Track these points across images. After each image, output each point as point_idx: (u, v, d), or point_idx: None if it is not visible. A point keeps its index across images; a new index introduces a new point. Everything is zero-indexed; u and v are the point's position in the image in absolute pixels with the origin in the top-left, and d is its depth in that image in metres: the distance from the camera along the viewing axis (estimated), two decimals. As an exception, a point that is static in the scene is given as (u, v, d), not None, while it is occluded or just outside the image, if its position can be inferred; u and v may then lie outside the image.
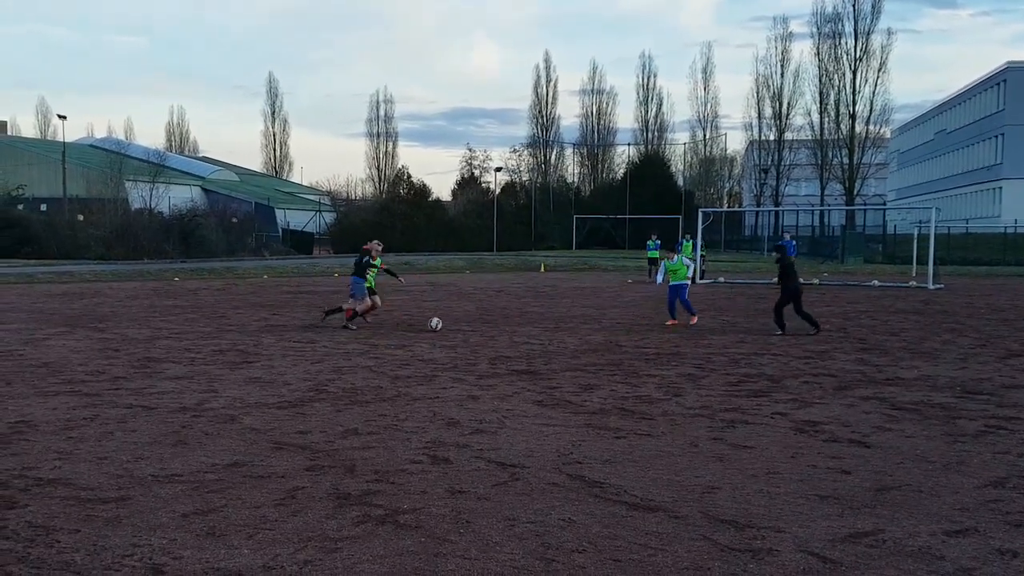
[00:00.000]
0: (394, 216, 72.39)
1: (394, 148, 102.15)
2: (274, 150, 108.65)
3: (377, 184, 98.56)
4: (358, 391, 10.77)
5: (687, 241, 36.86)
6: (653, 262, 36.79)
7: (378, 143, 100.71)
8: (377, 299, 18.74)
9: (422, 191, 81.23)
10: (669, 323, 18.99)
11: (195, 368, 12.53)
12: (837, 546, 5.51)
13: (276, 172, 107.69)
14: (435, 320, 17.88)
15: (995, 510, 6.23)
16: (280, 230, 71.18)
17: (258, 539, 5.62)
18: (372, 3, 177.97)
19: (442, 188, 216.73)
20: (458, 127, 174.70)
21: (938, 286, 31.34)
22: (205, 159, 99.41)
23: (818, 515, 6.11)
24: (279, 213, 75.37)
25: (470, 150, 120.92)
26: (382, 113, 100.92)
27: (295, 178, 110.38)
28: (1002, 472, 7.23)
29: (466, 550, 5.41)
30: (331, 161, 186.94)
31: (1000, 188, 71.81)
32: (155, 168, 60.62)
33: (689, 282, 19.37)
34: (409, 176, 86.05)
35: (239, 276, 37.31)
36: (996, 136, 73.17)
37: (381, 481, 6.89)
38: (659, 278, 19.88)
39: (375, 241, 19.23)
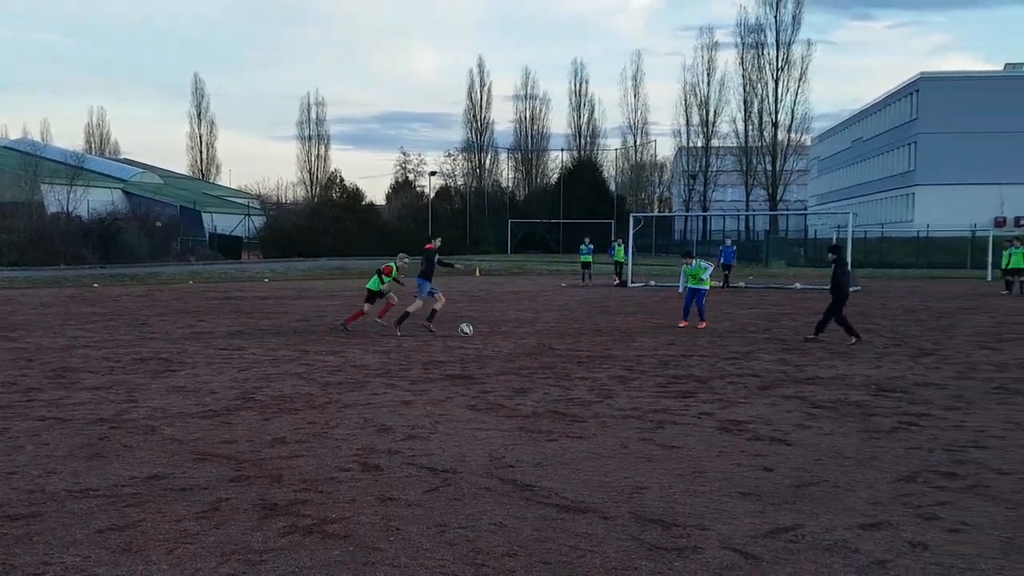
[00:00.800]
0: (326, 220, 71.84)
1: (326, 151, 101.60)
2: (200, 152, 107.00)
3: (309, 187, 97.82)
4: (287, 399, 10.72)
5: (619, 245, 37.27)
6: (587, 266, 37.17)
7: (310, 146, 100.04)
8: (394, 296, 18.76)
9: (355, 195, 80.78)
10: (682, 324, 19.33)
11: (114, 377, 12.29)
12: (759, 542, 5.69)
13: (203, 175, 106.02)
14: (466, 325, 18.08)
15: (907, 504, 6.49)
16: (207, 234, 70.06)
17: (178, 554, 5.51)
18: (305, 3, 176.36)
19: (376, 192, 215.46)
20: (392, 131, 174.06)
21: (855, 288, 32.08)
22: (127, 161, 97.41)
23: (741, 512, 6.30)
24: (206, 217, 74.17)
25: (404, 154, 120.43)
26: (314, 115, 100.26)
27: (223, 181, 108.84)
28: (914, 467, 7.51)
29: (395, 558, 5.45)
30: (261, 164, 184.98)
31: (913, 194, 73.88)
32: (73, 170, 58.87)
33: (707, 288, 19.51)
34: (342, 179, 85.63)
35: (163, 282, 36.72)
36: (909, 144, 75.29)
37: (309, 490, 6.87)
38: (681, 284, 19.92)
39: (410, 251, 19.17)
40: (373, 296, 18.46)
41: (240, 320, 20.57)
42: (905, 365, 13.59)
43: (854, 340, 16.00)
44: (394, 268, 18.26)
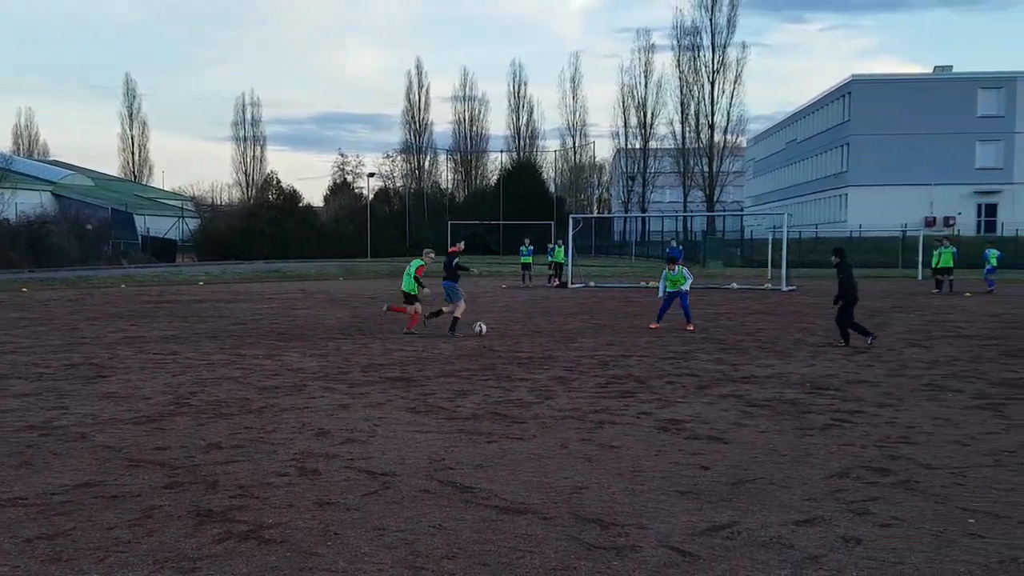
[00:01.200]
0: (263, 222, 71.03)
1: (262, 152, 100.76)
2: (132, 154, 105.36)
3: (245, 189, 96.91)
4: (222, 403, 10.57)
5: (559, 247, 37.44)
6: (527, 267, 37.27)
7: (245, 147, 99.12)
8: (419, 306, 18.61)
9: (292, 196, 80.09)
10: (653, 326, 19.39)
11: (43, 384, 11.98)
12: (696, 540, 5.75)
13: (135, 177, 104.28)
14: (480, 325, 18.15)
15: (840, 499, 6.60)
16: (140, 237, 68.83)
17: (109, 563, 5.40)
18: (240, 3, 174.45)
19: (313, 194, 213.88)
20: (329, 132, 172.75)
21: (791, 288, 32.70)
22: (56, 163, 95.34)
23: (679, 510, 6.36)
24: (139, 219, 72.84)
25: (342, 155, 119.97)
26: (249, 116, 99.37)
27: (156, 183, 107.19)
28: (847, 463, 7.65)
29: (333, 563, 5.40)
30: (196, 165, 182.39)
31: (846, 194, 75.36)
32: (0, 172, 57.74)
33: (688, 291, 19.50)
34: (278, 181, 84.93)
35: (94, 286, 36.02)
36: (842, 145, 76.77)
37: (245, 496, 6.78)
38: (661, 288, 19.83)
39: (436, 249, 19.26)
40: (411, 298, 18.40)
41: (174, 324, 20.26)
42: (839, 363, 13.82)
43: (842, 343, 15.98)
44: (424, 266, 18.51)
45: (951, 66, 77.60)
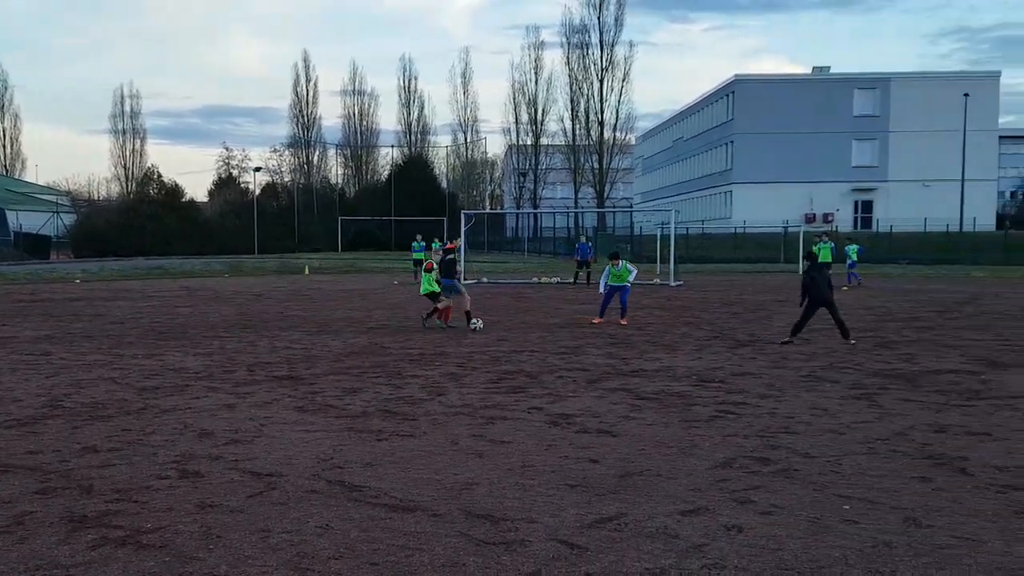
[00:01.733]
0: (143, 218, 69.17)
1: (142, 146, 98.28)
2: (3, 147, 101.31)
3: (124, 184, 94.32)
4: (99, 405, 10.22)
5: (435, 243, 37.50)
6: (419, 263, 37.03)
7: (124, 140, 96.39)
8: (448, 300, 18.70)
9: (174, 191, 78.27)
10: (596, 321, 19.39)
11: (-86, 388, 11.45)
12: (584, 532, 5.80)
13: (7, 171, 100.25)
14: (476, 321, 18.14)
15: (724, 489, 6.74)
16: (12, 233, 66.23)
17: (-21, 571, 5.20)
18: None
19: (197, 189, 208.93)
20: (213, 125, 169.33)
21: (678, 283, 33.42)
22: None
23: (568, 504, 6.41)
24: (10, 215, 70.04)
25: (227, 149, 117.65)
26: (128, 108, 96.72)
27: (29, 177, 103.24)
28: (731, 453, 7.83)
29: (215, 567, 5.27)
30: (72, 159, 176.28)
31: (731, 192, 77.32)
32: None
33: (630, 285, 19.53)
34: (160, 175, 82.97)
35: (-31, 286, 34.53)
36: (727, 144, 78.73)
37: (123, 500, 6.57)
38: (602, 284, 19.70)
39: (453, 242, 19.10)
40: (436, 295, 18.44)
41: (49, 323, 19.54)
42: (724, 356, 14.14)
43: (788, 340, 15.76)
44: (434, 263, 18.63)
45: (829, 67, 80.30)
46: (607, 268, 19.67)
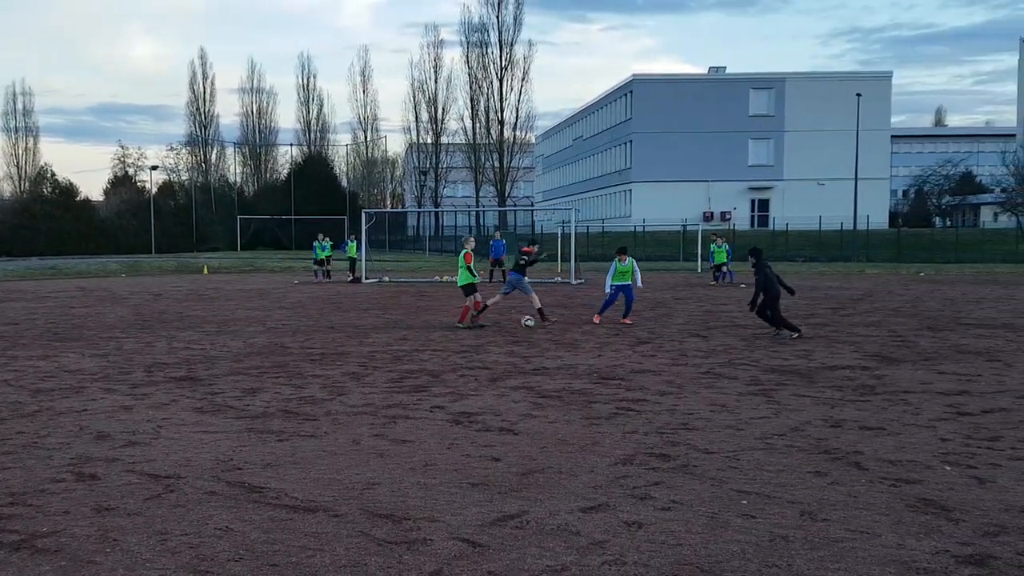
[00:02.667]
0: (37, 217, 67.26)
1: (35, 144, 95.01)
2: None
3: (17, 183, 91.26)
4: (-8, 409, 9.92)
5: (351, 241, 37.08)
6: (321, 263, 36.64)
7: (16, 138, 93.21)
8: (478, 296, 18.86)
9: (69, 190, 76.15)
10: (596, 319, 19.12)
11: None
12: (486, 530, 5.84)
13: None
14: (528, 318, 18.34)
15: (624, 486, 6.86)
16: None
17: None
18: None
19: (92, 188, 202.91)
20: (108, 123, 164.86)
21: (580, 281, 33.74)
22: None
23: (469, 502, 6.44)
24: None
25: (123, 147, 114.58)
26: (20, 106, 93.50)
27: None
28: (630, 450, 7.96)
29: (112, 570, 5.18)
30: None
31: (630, 190, 78.42)
32: None
33: (634, 283, 19.06)
34: (53, 174, 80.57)
35: None
36: (626, 143, 79.79)
37: (16, 504, 6.40)
38: (607, 282, 19.04)
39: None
40: (472, 287, 18.66)
41: (-65, 325, 18.79)
42: (624, 353, 14.35)
43: (796, 335, 16.11)
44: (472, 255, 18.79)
45: (725, 67, 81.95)
46: (613, 264, 19.06)
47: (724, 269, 33.36)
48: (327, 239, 36.88)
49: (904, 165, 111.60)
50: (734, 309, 22.46)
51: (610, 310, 19.52)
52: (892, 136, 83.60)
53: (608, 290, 19.19)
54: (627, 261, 18.98)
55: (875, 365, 13.02)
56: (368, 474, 7.20)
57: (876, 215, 67.02)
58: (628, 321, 19.02)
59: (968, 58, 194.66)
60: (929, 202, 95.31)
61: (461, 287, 18.76)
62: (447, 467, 7.40)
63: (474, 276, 18.63)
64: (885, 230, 65.80)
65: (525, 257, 19.27)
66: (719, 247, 33.33)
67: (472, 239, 20.02)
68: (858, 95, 63.96)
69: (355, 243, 37.15)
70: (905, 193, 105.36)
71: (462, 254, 18.83)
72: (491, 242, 37.14)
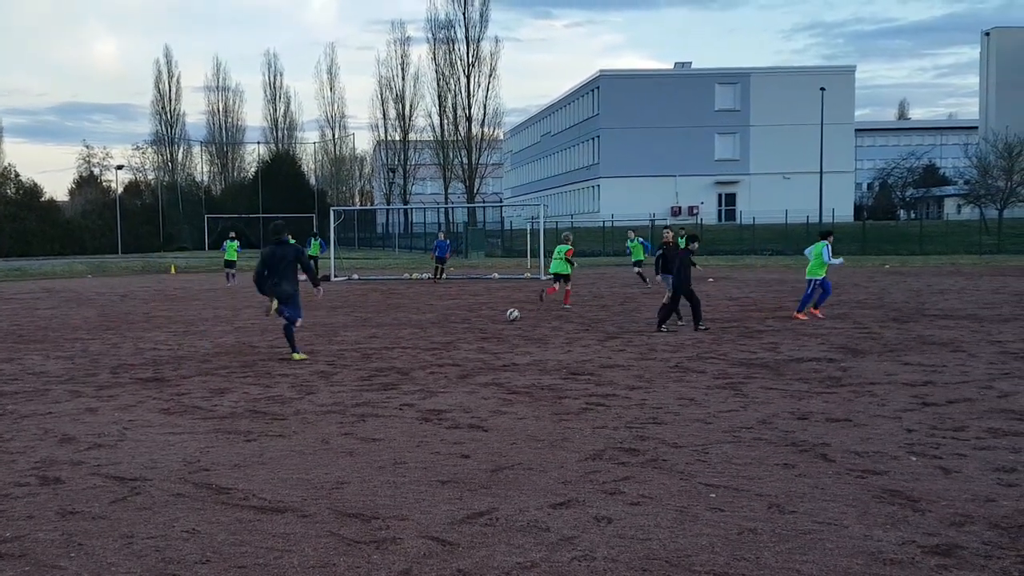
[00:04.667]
0: (0, 219, 66.46)
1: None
2: None
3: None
4: (-46, 413, 9.78)
5: (315, 240, 36.83)
6: (231, 264, 35.66)
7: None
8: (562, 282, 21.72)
9: (33, 191, 75.31)
10: (800, 316, 18.15)
11: None
12: (455, 528, 5.83)
13: None
14: (513, 311, 18.50)
15: (593, 481, 6.86)
16: None
17: None
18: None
19: (57, 188, 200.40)
20: (71, 122, 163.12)
21: (549, 277, 33.66)
22: None
23: (439, 500, 6.42)
24: None
25: (87, 147, 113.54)
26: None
27: None
28: (600, 445, 7.97)
29: (77, 575, 5.12)
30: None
31: (599, 186, 78.61)
32: None
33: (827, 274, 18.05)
34: (17, 175, 79.44)
35: None
36: (593, 138, 79.97)
37: (-19, 509, 6.32)
38: (826, 259, 17.85)
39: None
40: (562, 277, 21.52)
41: None
42: (593, 349, 14.38)
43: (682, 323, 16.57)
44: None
45: (691, 62, 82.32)
46: (823, 246, 17.98)
47: (639, 270, 29.41)
48: (235, 238, 34.90)
49: (868, 158, 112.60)
50: (702, 303, 22.54)
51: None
52: (856, 130, 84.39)
53: (822, 275, 18.12)
54: (829, 246, 18.07)
55: (841, 357, 13.12)
56: (337, 473, 7.16)
57: (841, 208, 67.58)
58: (817, 314, 18.20)
59: (929, 51, 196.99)
60: (893, 195, 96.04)
61: (555, 274, 21.80)
62: (416, 465, 7.38)
63: (571, 266, 21.60)
64: (850, 223, 66.32)
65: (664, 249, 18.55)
66: (632, 240, 30.06)
67: (571, 235, 23.28)
68: (822, 89, 64.44)
69: (318, 241, 36.83)
70: (870, 186, 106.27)
71: (564, 248, 21.77)
72: (435, 242, 36.85)
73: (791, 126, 74.79)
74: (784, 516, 6.00)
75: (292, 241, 14.15)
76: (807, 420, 8.93)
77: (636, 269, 29.55)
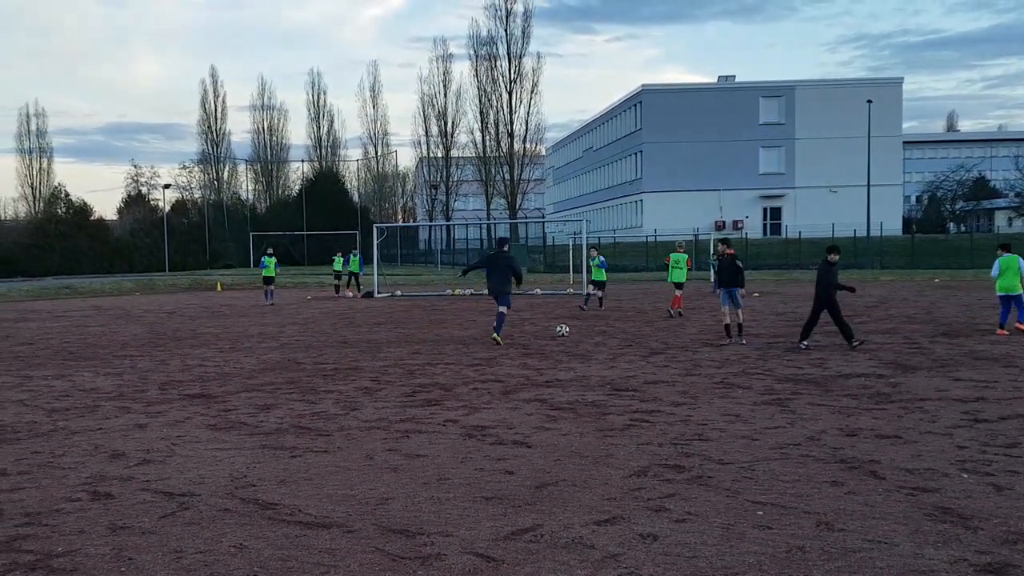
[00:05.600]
0: (52, 237, 67.80)
1: (49, 165, 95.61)
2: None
3: (31, 204, 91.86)
4: (7, 428, 9.94)
5: (354, 256, 37.23)
6: (338, 276, 36.97)
7: (31, 160, 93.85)
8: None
9: (83, 210, 76.64)
10: (1001, 333, 17.59)
11: None
12: (500, 544, 5.81)
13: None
14: (563, 327, 18.88)
15: (638, 498, 6.82)
16: (-86, 256, 64.07)
17: None
18: (16, 9, 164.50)
19: (106, 207, 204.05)
20: (119, 142, 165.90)
21: (591, 292, 33.59)
22: None
23: (483, 516, 6.42)
24: (-84, 237, 67.88)
25: (136, 166, 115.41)
26: (34, 127, 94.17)
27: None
28: (644, 462, 7.91)
29: (129, 588, 5.19)
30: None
31: (641, 200, 78.34)
32: None
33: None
34: (67, 194, 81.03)
35: None
36: (636, 153, 79.76)
37: (32, 524, 6.40)
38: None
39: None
40: (678, 285, 23.86)
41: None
42: (637, 364, 14.31)
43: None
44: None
45: (734, 75, 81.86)
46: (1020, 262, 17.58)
47: (592, 291, 26.96)
48: (273, 254, 34.49)
49: (917, 171, 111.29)
50: (748, 318, 22.37)
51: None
52: (904, 142, 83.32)
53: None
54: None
55: (891, 373, 12.95)
56: (381, 489, 7.18)
57: (889, 221, 66.75)
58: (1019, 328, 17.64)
59: (977, 63, 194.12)
60: (943, 208, 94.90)
61: (675, 283, 23.90)
62: (460, 481, 7.38)
63: (682, 278, 23.87)
64: (899, 236, 65.55)
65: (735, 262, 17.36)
66: (593, 259, 26.85)
67: (684, 243, 25.82)
68: (869, 101, 63.77)
69: (358, 258, 37.23)
70: (918, 199, 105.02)
71: (684, 257, 24.50)
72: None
73: (837, 139, 74.10)
74: (833, 534, 5.92)
75: (510, 252, 17.80)
76: (856, 437, 8.81)
77: (591, 289, 27.19)
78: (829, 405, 10.51)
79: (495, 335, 17.49)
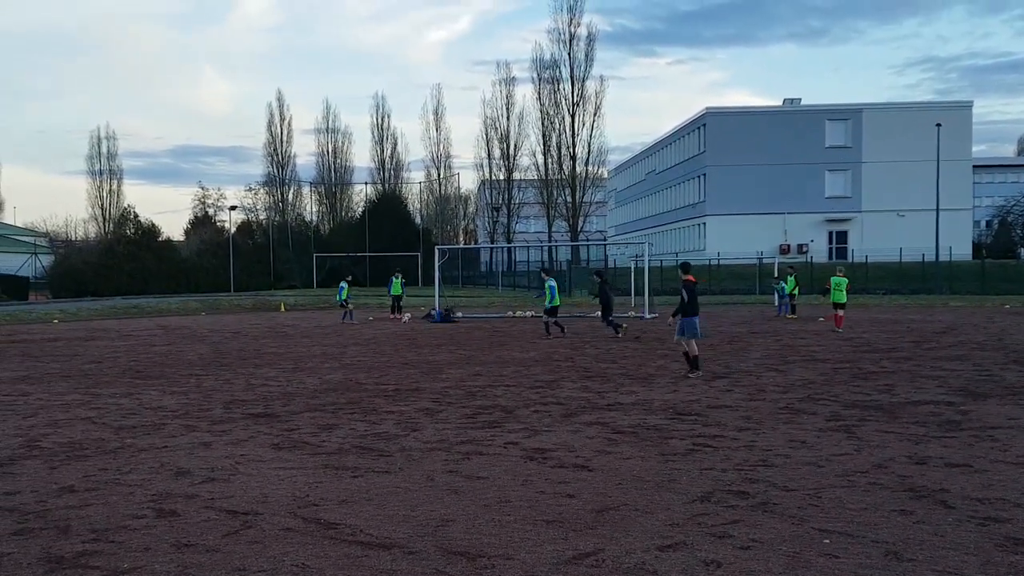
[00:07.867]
0: (121, 258, 69.23)
1: (119, 186, 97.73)
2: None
3: (101, 224, 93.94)
4: (76, 445, 10.14)
5: (397, 279, 37.57)
6: (398, 299, 37.09)
7: (101, 181, 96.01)
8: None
9: (151, 231, 78.21)
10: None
11: None
12: (561, 568, 5.77)
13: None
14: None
15: (702, 524, 6.73)
16: (-10, 275, 65.83)
17: (-42, 613, 5.13)
18: (86, 33, 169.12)
19: (173, 228, 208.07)
20: (186, 164, 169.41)
21: (653, 315, 33.45)
22: None
23: (544, 539, 6.38)
24: (-11, 257, 69.80)
25: (203, 188, 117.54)
26: (105, 149, 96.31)
27: (7, 219, 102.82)
28: (708, 487, 7.81)
29: (194, 604, 5.24)
30: (48, 200, 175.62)
31: (704, 223, 77.78)
32: None
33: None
34: (136, 216, 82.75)
35: (-59, 325, 34.16)
36: (699, 176, 79.29)
37: (99, 540, 6.51)
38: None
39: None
40: (840, 306, 25.89)
41: (26, 364, 19.35)
42: (699, 389, 14.16)
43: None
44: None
45: (800, 98, 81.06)
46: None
47: (549, 319, 25.22)
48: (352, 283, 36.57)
49: (987, 195, 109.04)
50: (813, 343, 22.06)
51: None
52: (974, 166, 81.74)
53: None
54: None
55: (960, 400, 12.65)
56: (442, 510, 7.18)
57: (959, 246, 65.45)
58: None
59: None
60: (1013, 232, 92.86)
61: (835, 303, 26.04)
62: (521, 504, 7.35)
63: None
64: (968, 261, 64.17)
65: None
66: (548, 280, 25.59)
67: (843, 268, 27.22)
68: (938, 125, 62.71)
69: (399, 280, 37.71)
70: (988, 224, 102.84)
71: (845, 281, 26.22)
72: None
73: (905, 163, 72.94)
74: (902, 564, 5.78)
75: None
76: (925, 465, 8.61)
77: (545, 318, 25.44)
78: (897, 432, 10.29)
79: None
